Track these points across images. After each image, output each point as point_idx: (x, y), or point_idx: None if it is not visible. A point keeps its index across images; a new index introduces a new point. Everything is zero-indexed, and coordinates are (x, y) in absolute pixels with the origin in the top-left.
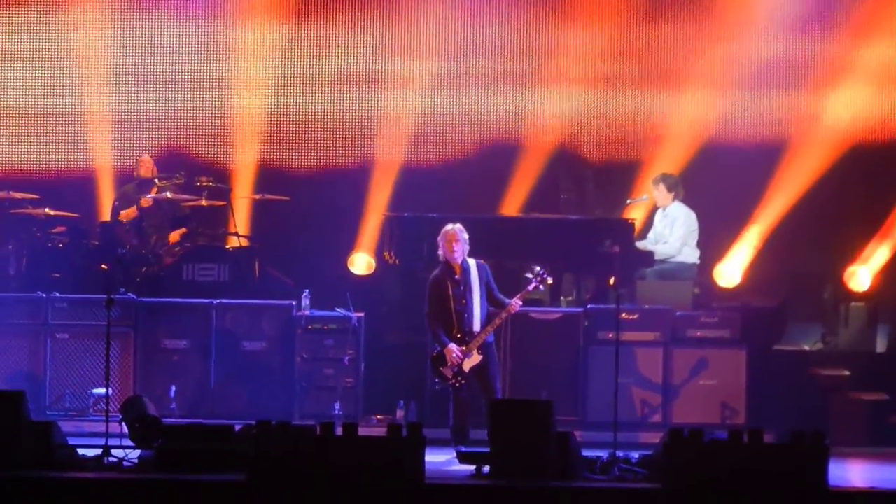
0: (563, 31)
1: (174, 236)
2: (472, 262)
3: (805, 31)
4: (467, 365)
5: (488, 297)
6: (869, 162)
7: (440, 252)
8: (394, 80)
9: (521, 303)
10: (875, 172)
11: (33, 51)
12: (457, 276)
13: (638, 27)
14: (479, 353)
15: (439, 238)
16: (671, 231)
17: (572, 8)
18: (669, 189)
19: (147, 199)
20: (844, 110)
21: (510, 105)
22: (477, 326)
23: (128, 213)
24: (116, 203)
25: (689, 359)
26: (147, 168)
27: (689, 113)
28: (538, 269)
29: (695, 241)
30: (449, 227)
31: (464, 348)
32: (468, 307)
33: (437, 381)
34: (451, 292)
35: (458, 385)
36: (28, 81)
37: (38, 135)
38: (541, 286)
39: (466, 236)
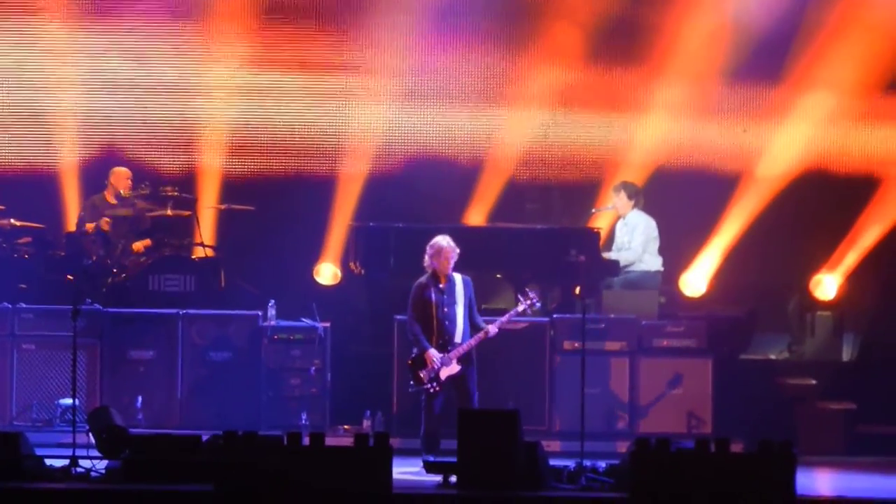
0: (525, 60)
1: (138, 247)
2: (457, 276)
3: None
4: (444, 373)
5: (468, 313)
6: (834, 171)
7: (428, 263)
8: (360, 93)
9: (497, 330)
10: (841, 181)
11: None
12: (441, 286)
13: (592, 67)
14: (458, 364)
15: (431, 250)
16: (631, 238)
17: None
18: (630, 197)
19: (107, 222)
20: (803, 130)
21: (475, 122)
22: (458, 337)
23: (91, 226)
24: (83, 214)
25: (656, 368)
26: (122, 181)
27: (651, 135)
28: (532, 294)
29: (656, 249)
30: (444, 242)
31: (443, 355)
32: (450, 316)
33: (411, 383)
34: (434, 299)
35: (432, 391)
36: None
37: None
38: (529, 311)
39: (458, 251)
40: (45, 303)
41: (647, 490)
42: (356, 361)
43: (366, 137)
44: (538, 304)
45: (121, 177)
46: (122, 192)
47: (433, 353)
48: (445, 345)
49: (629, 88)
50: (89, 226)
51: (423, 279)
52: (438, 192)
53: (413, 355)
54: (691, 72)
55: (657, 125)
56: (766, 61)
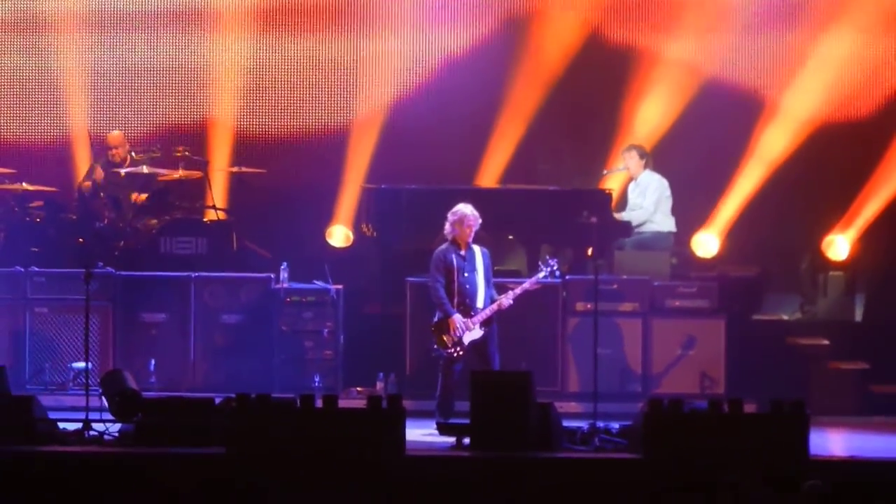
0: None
1: (138, 198)
2: (476, 247)
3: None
4: (467, 338)
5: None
6: (846, 131)
7: (449, 230)
8: (371, 53)
9: (511, 302)
10: (852, 141)
11: (6, 18)
12: (462, 253)
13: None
14: (480, 329)
15: (453, 217)
16: (644, 198)
17: None
18: (641, 157)
19: (99, 172)
20: (816, 86)
21: (488, 80)
22: (479, 302)
23: (86, 186)
24: (87, 182)
25: (668, 329)
26: (117, 144)
27: (664, 92)
28: (552, 262)
29: (668, 208)
30: (468, 210)
31: (466, 320)
32: (471, 281)
33: (434, 346)
34: (456, 264)
35: (455, 355)
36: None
37: (12, 102)
38: (549, 278)
39: (480, 221)
40: (57, 266)
41: (661, 451)
42: (369, 323)
43: (378, 96)
44: (558, 273)
45: (113, 140)
46: (132, 154)
47: (458, 318)
48: (468, 310)
49: (642, 45)
50: (86, 184)
51: (443, 247)
52: (450, 152)
53: (436, 319)
54: (703, 23)
55: (670, 82)
56: (781, 4)
